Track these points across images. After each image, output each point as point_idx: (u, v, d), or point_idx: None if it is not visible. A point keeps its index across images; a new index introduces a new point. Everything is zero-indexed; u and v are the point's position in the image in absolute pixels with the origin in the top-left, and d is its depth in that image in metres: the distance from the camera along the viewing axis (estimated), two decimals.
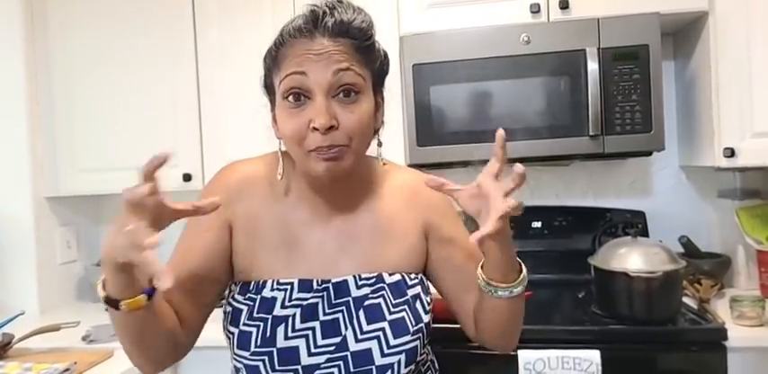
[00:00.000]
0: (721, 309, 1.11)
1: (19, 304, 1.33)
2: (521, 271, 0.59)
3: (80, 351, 1.06)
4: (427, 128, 1.25)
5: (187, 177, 1.37)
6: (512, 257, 0.58)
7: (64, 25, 1.40)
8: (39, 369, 0.92)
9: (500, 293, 0.58)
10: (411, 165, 1.30)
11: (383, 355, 0.60)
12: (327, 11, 0.57)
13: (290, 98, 0.58)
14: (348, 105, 0.58)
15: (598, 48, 1.18)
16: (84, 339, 1.12)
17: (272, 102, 0.63)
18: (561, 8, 1.22)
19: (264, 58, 0.62)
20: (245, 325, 0.61)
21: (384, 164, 0.67)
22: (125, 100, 1.39)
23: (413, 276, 0.65)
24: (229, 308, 0.64)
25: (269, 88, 0.63)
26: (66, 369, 0.93)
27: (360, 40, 0.59)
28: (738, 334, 1.00)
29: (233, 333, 0.61)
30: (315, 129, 0.56)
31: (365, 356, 0.59)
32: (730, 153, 1.16)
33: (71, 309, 1.43)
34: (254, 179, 0.65)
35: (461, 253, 0.67)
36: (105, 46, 1.39)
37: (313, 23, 0.57)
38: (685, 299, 1.13)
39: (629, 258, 1.05)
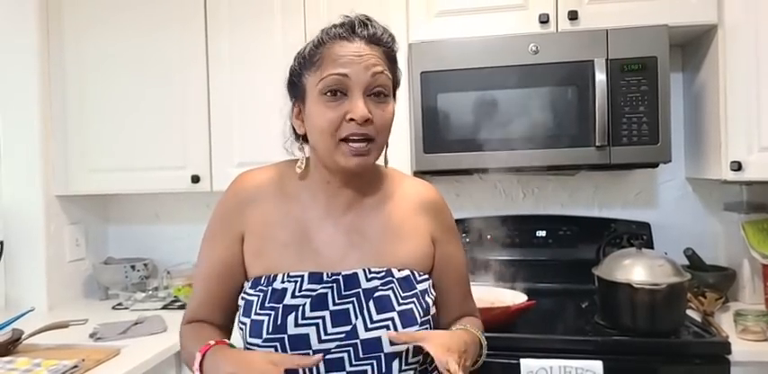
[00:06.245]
0: (725, 323, 1.10)
1: (28, 300, 1.36)
2: (481, 348, 0.68)
3: (88, 348, 1.08)
4: (434, 135, 1.26)
5: (195, 179, 1.39)
6: (472, 358, 0.66)
7: (78, 29, 1.43)
8: (48, 365, 0.93)
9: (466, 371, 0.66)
10: (417, 172, 1.31)
11: (392, 343, 0.63)
12: (362, 23, 0.64)
13: (329, 94, 0.62)
14: (379, 104, 0.64)
15: (606, 60, 1.19)
16: (91, 336, 1.14)
17: (297, 98, 0.68)
18: (570, 19, 1.23)
19: (297, 58, 0.67)
20: (256, 314, 0.64)
21: (386, 164, 0.71)
22: (136, 102, 1.41)
23: (421, 273, 0.69)
24: (242, 302, 0.67)
25: (295, 86, 0.68)
26: (75, 366, 0.94)
27: (390, 49, 0.67)
28: (742, 349, 0.99)
29: (245, 324, 0.64)
30: (351, 119, 0.62)
31: (375, 344, 0.63)
32: (737, 166, 1.16)
33: (79, 306, 1.45)
34: (265, 184, 0.70)
35: (453, 275, 0.72)
36: (118, 50, 1.41)
37: (350, 30, 0.64)
38: (689, 312, 1.12)
39: (634, 269, 1.05)
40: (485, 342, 0.70)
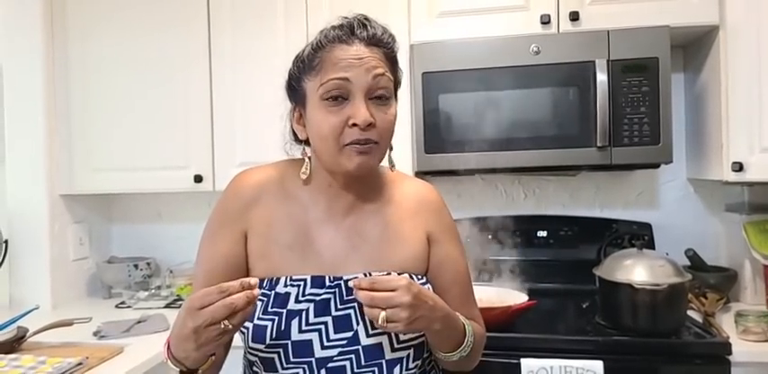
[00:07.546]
0: (726, 324, 1.10)
1: (32, 299, 1.37)
2: (464, 336, 0.65)
3: (91, 346, 1.09)
4: (435, 135, 1.26)
5: (198, 178, 1.39)
6: (447, 337, 0.64)
7: (82, 30, 1.44)
8: (52, 363, 0.94)
9: (447, 358, 0.65)
10: (418, 172, 1.31)
11: (393, 350, 0.63)
12: (361, 23, 0.63)
13: (331, 99, 0.62)
14: (381, 107, 0.63)
15: (608, 60, 1.19)
16: (95, 334, 1.15)
17: (297, 103, 0.67)
18: (571, 20, 1.23)
19: (296, 62, 0.66)
20: (259, 319, 0.63)
21: (392, 167, 0.70)
22: (139, 103, 1.42)
23: (419, 276, 0.68)
24: None
25: (294, 90, 0.67)
26: (79, 364, 0.95)
27: (390, 50, 0.65)
28: (743, 349, 1.00)
29: (247, 328, 0.63)
30: (354, 124, 0.61)
31: (376, 350, 0.62)
32: (738, 167, 1.16)
33: (82, 305, 1.47)
34: (266, 184, 0.69)
35: (449, 275, 0.71)
36: (121, 50, 1.42)
37: (350, 32, 0.63)
38: (690, 313, 1.12)
39: (635, 270, 1.05)
40: (470, 337, 0.66)
